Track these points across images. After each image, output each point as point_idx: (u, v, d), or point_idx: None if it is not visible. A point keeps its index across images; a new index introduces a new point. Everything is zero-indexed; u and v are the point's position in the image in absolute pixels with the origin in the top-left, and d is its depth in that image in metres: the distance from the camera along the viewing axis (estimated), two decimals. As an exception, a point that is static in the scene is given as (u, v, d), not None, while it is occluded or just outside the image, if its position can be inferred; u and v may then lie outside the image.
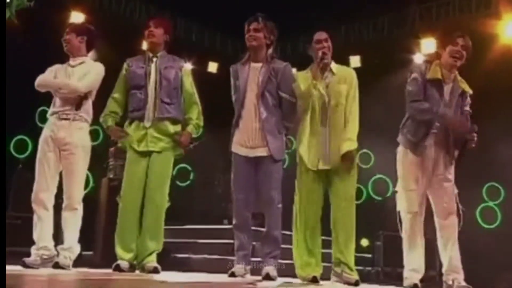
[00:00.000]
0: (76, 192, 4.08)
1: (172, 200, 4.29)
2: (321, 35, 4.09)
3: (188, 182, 9.86)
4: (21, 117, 7.27)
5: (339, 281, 3.93)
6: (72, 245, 4.03)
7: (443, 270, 3.91)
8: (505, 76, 7.45)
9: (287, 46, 8.95)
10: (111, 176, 6.84)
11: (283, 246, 4.10)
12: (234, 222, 4.13)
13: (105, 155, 7.00)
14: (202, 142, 7.29)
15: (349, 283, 3.84)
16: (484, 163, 7.72)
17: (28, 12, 4.29)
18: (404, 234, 4.00)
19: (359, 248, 6.13)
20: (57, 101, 4.17)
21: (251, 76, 4.11)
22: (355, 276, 3.89)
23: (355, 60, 8.89)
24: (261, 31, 4.10)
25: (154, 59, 4.26)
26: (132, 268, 4.07)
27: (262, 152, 4.04)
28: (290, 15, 8.09)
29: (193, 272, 5.36)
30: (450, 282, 3.83)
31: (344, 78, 4.07)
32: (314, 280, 3.85)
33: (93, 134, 4.50)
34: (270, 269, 3.94)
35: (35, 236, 4.02)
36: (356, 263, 4.01)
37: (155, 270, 4.00)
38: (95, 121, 4.32)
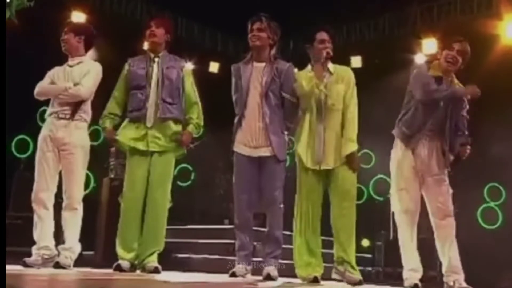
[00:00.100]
0: (76, 192, 4.08)
1: (173, 200, 4.29)
2: (324, 35, 4.06)
3: (189, 182, 9.85)
4: (22, 117, 7.27)
5: (341, 280, 3.92)
6: (73, 245, 4.03)
7: (443, 270, 3.91)
8: (506, 76, 7.44)
9: (288, 45, 8.94)
10: (112, 176, 6.85)
11: (283, 246, 4.09)
12: (235, 222, 4.12)
13: (106, 155, 7.00)
14: (203, 142, 7.32)
15: (352, 283, 3.83)
16: (485, 163, 7.73)
17: (28, 12, 4.28)
18: (398, 234, 4.02)
19: (359, 248, 6.13)
20: (55, 101, 4.16)
21: (254, 75, 4.10)
22: (358, 276, 3.88)
23: (356, 60, 8.89)
24: (265, 31, 4.08)
25: (156, 59, 4.25)
26: (133, 268, 4.06)
27: (265, 152, 4.02)
28: (290, 15, 8.08)
29: (193, 272, 5.35)
30: (451, 283, 3.82)
31: (341, 78, 4.05)
32: (315, 280, 3.83)
33: (94, 134, 4.51)
34: (271, 269, 3.93)
35: (35, 236, 4.02)
36: (357, 263, 3.98)
37: (156, 270, 3.99)
38: (96, 121, 4.32)
